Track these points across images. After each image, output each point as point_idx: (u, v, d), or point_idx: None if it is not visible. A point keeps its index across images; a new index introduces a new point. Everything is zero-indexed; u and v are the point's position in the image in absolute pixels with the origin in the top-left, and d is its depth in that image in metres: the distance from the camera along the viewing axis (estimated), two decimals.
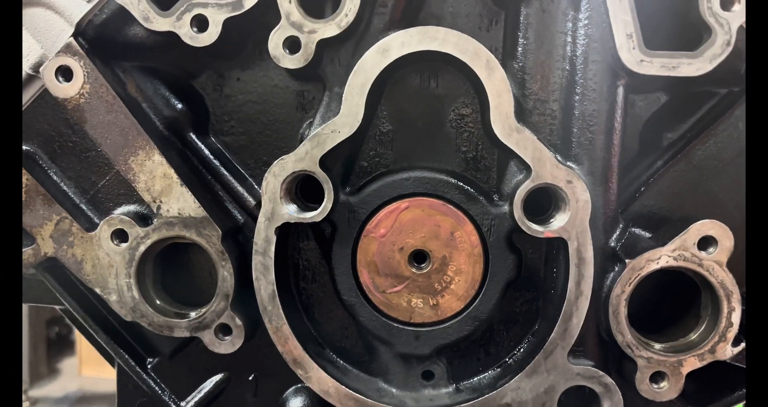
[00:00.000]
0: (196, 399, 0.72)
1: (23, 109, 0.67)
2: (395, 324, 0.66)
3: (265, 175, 0.61)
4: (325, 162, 0.62)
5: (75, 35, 0.64)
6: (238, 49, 0.68)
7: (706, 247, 0.61)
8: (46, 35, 0.69)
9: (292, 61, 0.62)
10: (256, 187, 0.70)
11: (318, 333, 0.70)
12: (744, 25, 0.60)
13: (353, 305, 0.66)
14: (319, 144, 0.61)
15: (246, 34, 0.66)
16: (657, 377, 0.63)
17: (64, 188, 0.68)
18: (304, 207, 0.63)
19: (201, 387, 0.72)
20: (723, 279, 0.61)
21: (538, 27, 0.63)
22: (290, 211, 0.62)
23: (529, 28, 0.63)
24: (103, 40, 0.65)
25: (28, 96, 0.67)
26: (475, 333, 0.67)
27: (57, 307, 0.74)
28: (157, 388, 0.72)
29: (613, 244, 0.65)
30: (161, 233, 0.65)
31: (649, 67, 0.60)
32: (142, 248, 0.65)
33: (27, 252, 0.66)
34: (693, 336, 0.64)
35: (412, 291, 0.66)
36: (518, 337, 0.68)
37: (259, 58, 0.68)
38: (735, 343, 0.62)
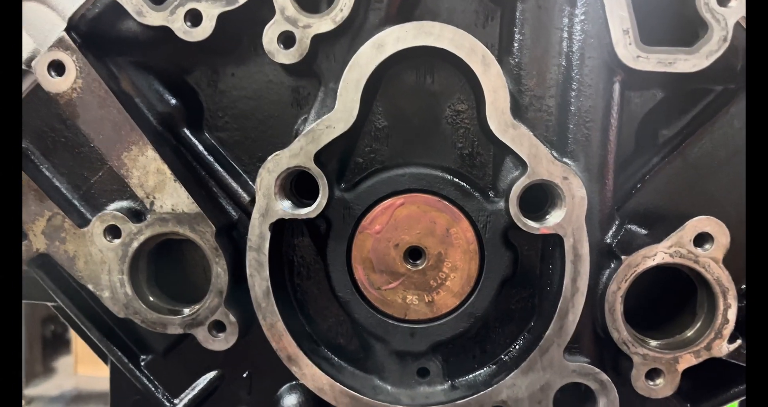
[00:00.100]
0: (189, 396, 0.72)
1: None
2: (390, 321, 0.66)
3: (260, 170, 0.61)
4: (320, 158, 0.62)
5: (67, 29, 0.64)
6: (233, 44, 0.67)
7: (702, 244, 0.61)
8: (39, 30, 0.69)
9: (286, 56, 0.62)
10: (250, 183, 0.70)
11: (313, 330, 0.70)
12: (741, 22, 0.60)
13: (348, 302, 0.66)
14: (313, 140, 0.61)
15: (240, 29, 0.66)
16: (653, 374, 0.63)
17: (57, 184, 0.67)
18: (299, 203, 0.63)
19: (195, 384, 0.72)
20: (719, 275, 0.61)
21: (534, 23, 0.63)
22: (285, 207, 0.62)
23: (525, 23, 0.63)
24: (96, 34, 0.65)
25: None
26: (470, 330, 0.67)
27: (50, 304, 0.74)
28: (150, 386, 0.72)
29: (609, 241, 0.64)
30: (154, 229, 0.64)
31: (645, 62, 0.59)
32: (135, 244, 0.64)
33: None
34: (689, 333, 0.64)
35: (408, 288, 0.65)
36: (514, 334, 0.68)
37: (254, 54, 0.68)
38: (731, 340, 0.62)
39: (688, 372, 0.63)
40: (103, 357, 0.74)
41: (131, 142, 0.64)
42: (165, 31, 0.62)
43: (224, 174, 0.70)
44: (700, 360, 0.62)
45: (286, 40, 0.61)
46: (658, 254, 0.61)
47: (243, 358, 0.71)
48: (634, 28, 0.59)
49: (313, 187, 0.61)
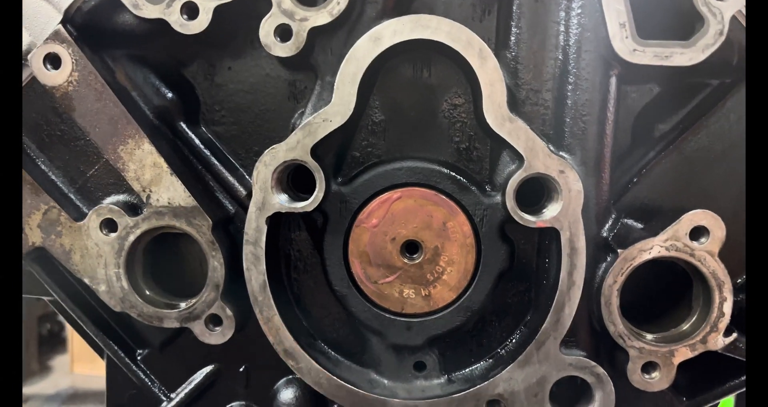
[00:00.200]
0: (186, 391, 0.72)
1: None
2: (387, 315, 0.66)
3: (256, 164, 0.61)
4: (316, 151, 0.62)
5: (63, 22, 0.63)
6: (229, 37, 0.67)
7: (698, 237, 0.61)
8: (34, 22, 0.68)
9: (283, 49, 0.61)
10: (247, 177, 0.70)
11: (309, 324, 0.70)
12: (737, 15, 0.60)
13: (345, 296, 0.66)
14: (310, 133, 0.61)
15: (237, 22, 0.65)
16: (649, 367, 0.63)
17: (53, 177, 0.67)
18: (296, 197, 0.63)
19: (191, 378, 0.72)
20: (715, 269, 0.61)
21: (531, 16, 0.63)
22: (281, 201, 0.62)
23: (522, 17, 0.63)
24: (92, 27, 0.64)
25: None
26: (467, 324, 0.67)
27: (46, 299, 0.73)
28: (147, 380, 0.72)
29: (605, 235, 0.65)
30: (151, 223, 0.64)
31: (641, 56, 0.60)
32: (132, 238, 0.64)
33: None
34: (685, 327, 0.64)
35: (404, 282, 0.65)
36: (510, 328, 0.68)
37: (251, 47, 0.68)
38: (726, 334, 0.62)
39: (683, 366, 0.63)
40: (100, 351, 0.74)
41: (127, 136, 0.64)
42: (161, 24, 0.62)
43: (221, 168, 0.70)
44: (696, 353, 0.62)
45: (283, 33, 0.61)
46: (654, 247, 0.61)
47: (240, 352, 0.71)
48: (630, 21, 0.59)
49: (310, 181, 0.61)
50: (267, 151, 0.61)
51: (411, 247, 0.65)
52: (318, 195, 0.61)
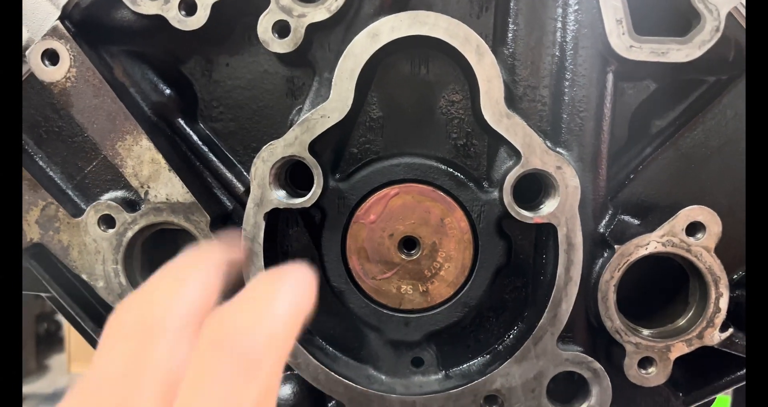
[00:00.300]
0: None
1: None
2: (385, 311, 0.66)
3: (254, 160, 0.61)
4: (314, 147, 0.62)
5: (61, 18, 0.63)
6: (227, 33, 0.67)
7: (694, 233, 0.61)
8: (32, 18, 0.68)
9: (281, 46, 0.62)
10: (245, 173, 0.70)
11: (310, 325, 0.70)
12: (733, 12, 0.60)
13: (343, 292, 0.66)
14: (308, 129, 0.61)
15: (235, 18, 0.66)
16: (645, 362, 0.63)
17: (50, 173, 0.67)
18: (294, 193, 0.63)
19: None
20: (711, 264, 0.61)
21: (528, 13, 0.63)
22: (279, 197, 0.62)
23: (519, 14, 0.63)
24: (90, 23, 0.64)
25: None
26: (464, 320, 0.67)
27: (44, 295, 0.73)
28: None
29: (602, 231, 0.65)
30: (149, 219, 0.64)
31: (638, 52, 0.60)
32: (130, 234, 0.64)
33: None
34: (681, 322, 0.65)
35: (402, 278, 0.66)
36: (508, 324, 0.68)
37: (249, 44, 0.68)
38: (723, 329, 0.63)
39: (680, 361, 0.64)
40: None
41: (125, 132, 0.64)
42: (159, 20, 0.62)
43: (219, 164, 0.70)
44: (692, 348, 0.63)
45: (281, 29, 0.61)
46: (650, 243, 0.62)
47: None
48: (627, 17, 0.60)
49: (308, 178, 0.61)
50: (265, 147, 0.61)
51: (409, 243, 0.66)
52: (316, 191, 0.62)
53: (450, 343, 0.69)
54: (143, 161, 0.64)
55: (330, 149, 0.66)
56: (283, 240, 0.69)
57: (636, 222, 0.66)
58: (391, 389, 0.66)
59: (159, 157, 0.64)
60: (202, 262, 0.41)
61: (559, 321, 0.62)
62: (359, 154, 0.67)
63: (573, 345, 0.65)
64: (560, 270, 0.61)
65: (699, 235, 0.61)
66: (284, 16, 0.61)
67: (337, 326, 0.70)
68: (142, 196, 0.65)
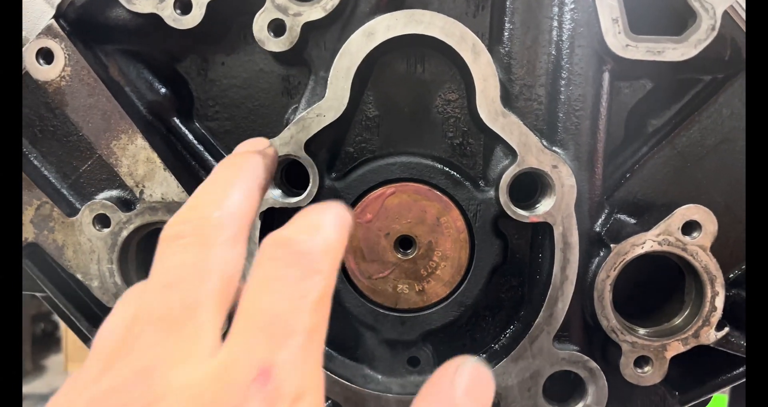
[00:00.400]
0: None
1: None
2: (381, 310, 0.66)
3: None
4: (310, 146, 0.62)
5: (56, 17, 0.63)
6: (223, 32, 0.67)
7: (690, 232, 0.61)
8: (27, 17, 0.68)
9: (276, 44, 0.61)
10: None
11: None
12: (729, 11, 0.60)
13: (339, 291, 0.66)
14: (304, 128, 0.61)
15: (230, 17, 0.65)
16: (641, 361, 0.63)
17: (45, 173, 0.67)
18: (289, 192, 0.63)
19: None
20: (707, 263, 0.61)
21: (524, 12, 0.63)
22: (275, 196, 0.62)
23: (516, 13, 0.63)
24: (84, 22, 0.64)
25: None
26: (460, 319, 0.67)
27: (39, 295, 0.73)
28: None
29: (598, 229, 0.65)
30: (144, 218, 0.64)
31: (634, 51, 0.60)
32: (125, 233, 0.64)
33: None
34: (677, 321, 0.65)
35: (398, 277, 0.66)
36: (504, 323, 0.68)
37: (244, 43, 0.68)
38: (719, 328, 0.63)
39: (676, 360, 0.64)
40: None
41: (120, 131, 0.64)
42: (154, 19, 0.62)
43: (215, 163, 0.69)
44: (688, 347, 0.63)
45: (277, 28, 0.61)
46: (646, 242, 0.61)
47: None
48: (623, 16, 0.60)
49: (304, 177, 0.61)
50: None
51: (405, 242, 0.66)
52: (312, 190, 0.62)
53: (446, 342, 0.69)
54: (138, 160, 0.64)
55: (326, 148, 0.65)
56: None
57: (632, 221, 0.66)
58: (388, 388, 0.66)
59: (154, 156, 0.64)
60: (241, 174, 0.45)
61: (555, 321, 0.62)
62: (355, 153, 0.67)
63: (569, 345, 0.65)
64: (556, 269, 0.61)
65: (695, 234, 0.61)
66: (280, 15, 0.61)
67: (333, 325, 0.69)
68: (138, 195, 0.65)
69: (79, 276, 0.65)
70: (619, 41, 0.60)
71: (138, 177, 0.64)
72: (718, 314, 0.62)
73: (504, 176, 0.61)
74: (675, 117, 0.69)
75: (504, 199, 0.61)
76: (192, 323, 0.35)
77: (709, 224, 0.61)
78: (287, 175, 0.65)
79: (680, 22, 0.62)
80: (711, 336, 0.62)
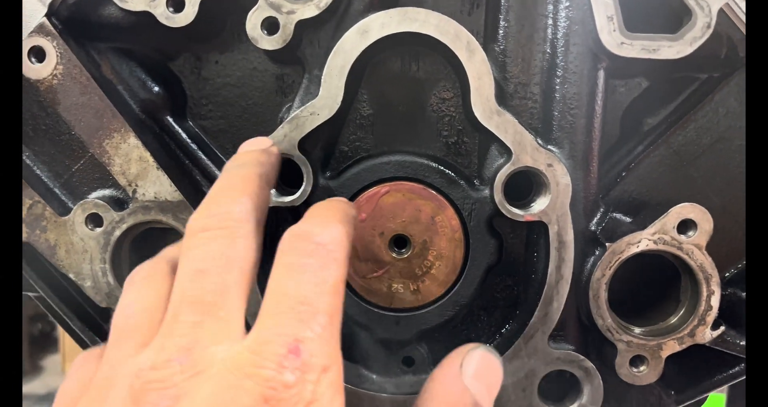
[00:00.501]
0: None
1: None
2: (375, 310, 0.66)
3: None
4: (304, 145, 0.61)
5: (48, 15, 0.63)
6: (216, 30, 0.67)
7: (685, 231, 0.61)
8: None
9: (270, 43, 0.61)
10: None
11: None
12: (724, 8, 0.60)
13: None
14: (297, 127, 0.60)
15: (224, 15, 0.65)
16: (637, 361, 0.63)
17: (37, 172, 0.66)
18: (283, 191, 0.63)
19: None
20: (702, 262, 0.61)
21: (519, 10, 0.63)
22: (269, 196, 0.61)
23: (510, 10, 0.63)
24: (77, 20, 0.64)
25: None
26: (455, 319, 0.67)
27: (31, 294, 0.73)
28: None
29: (593, 228, 0.65)
30: (137, 217, 0.63)
31: (629, 49, 0.59)
32: (118, 233, 0.64)
33: None
34: (673, 320, 0.64)
35: (393, 277, 0.65)
36: (499, 322, 0.68)
37: (238, 41, 0.67)
38: (714, 327, 0.62)
39: (672, 360, 0.63)
40: (86, 348, 0.73)
41: (113, 129, 0.64)
42: (147, 17, 0.61)
43: (208, 162, 0.69)
44: (684, 346, 0.62)
45: (270, 26, 0.61)
46: (642, 241, 0.61)
47: None
48: (618, 14, 0.59)
49: (298, 176, 0.61)
50: None
51: (399, 242, 0.65)
52: (306, 189, 0.61)
53: (441, 342, 0.68)
54: (131, 159, 0.64)
55: (320, 147, 0.65)
56: (272, 239, 0.68)
57: (627, 220, 0.66)
58: (382, 388, 0.66)
59: (147, 154, 0.64)
60: (252, 172, 0.50)
61: (551, 320, 0.62)
62: (349, 152, 0.67)
63: (564, 344, 0.64)
64: (551, 268, 0.61)
65: (690, 233, 0.61)
66: (273, 13, 0.60)
67: None
68: (130, 194, 0.64)
69: (71, 275, 0.65)
70: (614, 39, 0.59)
71: (131, 176, 0.64)
72: (713, 313, 0.62)
73: (499, 175, 0.60)
74: (671, 115, 0.69)
75: (499, 197, 0.61)
76: (223, 306, 0.39)
77: (705, 223, 0.61)
78: (281, 173, 0.64)
79: (676, 20, 0.62)
80: (707, 335, 0.62)
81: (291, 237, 0.43)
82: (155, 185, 0.64)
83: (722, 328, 0.63)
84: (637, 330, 0.65)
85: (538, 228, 0.63)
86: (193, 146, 0.69)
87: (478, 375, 0.44)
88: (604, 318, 0.62)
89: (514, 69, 0.63)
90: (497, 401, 0.62)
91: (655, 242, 0.61)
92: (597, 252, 0.63)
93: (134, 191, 0.64)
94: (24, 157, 0.67)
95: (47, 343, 3.90)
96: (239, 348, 0.37)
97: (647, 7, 0.62)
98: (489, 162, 0.64)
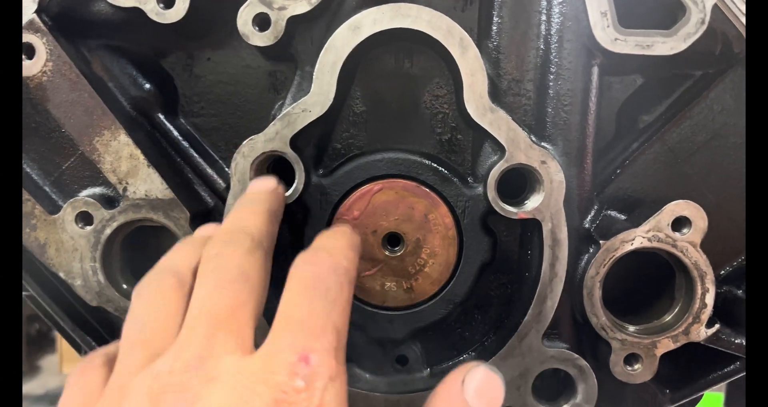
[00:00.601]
0: None
1: None
2: (368, 308, 0.65)
3: (234, 155, 0.60)
4: (296, 142, 0.61)
5: (38, 11, 0.62)
6: (208, 27, 0.66)
7: (680, 228, 0.61)
8: None
9: (261, 39, 0.60)
10: (226, 169, 0.68)
11: None
12: (719, 4, 0.59)
13: None
14: (289, 124, 0.60)
15: (215, 11, 0.64)
16: (631, 359, 0.63)
17: (27, 170, 0.66)
18: None
19: None
20: (697, 259, 0.61)
21: (513, 5, 0.62)
22: None
23: (504, 6, 0.62)
24: (67, 16, 0.63)
25: None
26: (449, 317, 0.66)
27: (23, 293, 0.72)
28: None
29: (587, 226, 0.64)
30: (127, 215, 0.63)
31: (623, 45, 0.59)
32: (108, 231, 0.63)
33: None
34: (667, 318, 0.64)
35: (386, 275, 0.65)
36: (493, 321, 0.68)
37: (230, 38, 0.67)
38: (709, 325, 0.62)
39: (666, 358, 0.63)
40: (77, 347, 0.72)
41: (103, 127, 0.63)
42: (137, 13, 0.61)
43: (200, 160, 0.68)
44: (678, 344, 0.62)
45: (261, 22, 0.60)
46: (636, 239, 0.61)
47: None
48: (612, 10, 0.59)
49: (291, 173, 0.60)
50: (245, 142, 0.60)
51: (392, 240, 0.65)
52: (297, 187, 0.61)
53: (435, 341, 0.68)
54: (121, 157, 0.63)
55: (312, 144, 0.65)
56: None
57: (622, 217, 0.65)
58: (376, 387, 0.65)
59: (137, 152, 0.63)
60: (264, 205, 0.54)
61: (545, 318, 0.61)
62: (342, 149, 0.66)
63: (559, 342, 0.64)
64: (545, 266, 0.61)
65: (685, 230, 0.61)
66: (264, 9, 0.60)
67: None
68: (121, 192, 0.64)
69: (61, 274, 0.64)
70: (608, 35, 0.59)
71: (121, 174, 0.63)
72: (708, 311, 0.61)
73: (492, 172, 0.60)
74: (666, 113, 0.68)
75: (492, 195, 0.60)
76: (237, 320, 0.42)
77: (699, 220, 0.60)
78: (275, 171, 0.64)
79: (670, 16, 0.61)
80: (701, 333, 0.62)
81: (303, 262, 0.46)
82: (146, 183, 0.63)
83: (717, 326, 0.62)
84: (632, 328, 0.64)
85: (532, 226, 0.63)
86: (185, 144, 0.68)
87: (479, 392, 0.46)
88: (599, 317, 0.62)
89: (507, 65, 0.63)
90: None
91: (649, 240, 0.61)
92: (591, 250, 0.63)
93: (125, 189, 0.64)
94: None
95: (44, 343, 3.89)
96: (251, 358, 0.39)
97: (641, 3, 0.61)
98: (482, 159, 0.64)
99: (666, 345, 0.62)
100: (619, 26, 0.59)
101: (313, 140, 0.64)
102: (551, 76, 0.62)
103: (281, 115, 0.60)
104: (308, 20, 0.62)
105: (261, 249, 0.48)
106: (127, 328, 0.45)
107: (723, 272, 0.67)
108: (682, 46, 0.59)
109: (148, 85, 0.68)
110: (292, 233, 0.68)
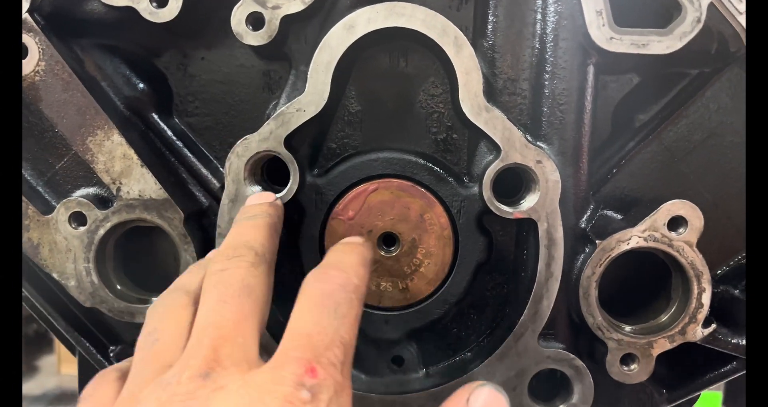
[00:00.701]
0: None
1: None
2: (364, 309, 0.64)
3: (229, 155, 0.60)
4: (291, 142, 0.61)
5: (30, 11, 0.62)
6: (202, 26, 0.66)
7: (676, 228, 0.61)
8: None
9: (255, 38, 0.60)
10: (221, 169, 0.68)
11: (286, 319, 0.68)
12: (715, 3, 0.59)
13: None
14: (283, 123, 0.59)
15: (209, 10, 0.64)
16: (627, 359, 0.62)
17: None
18: (270, 188, 0.62)
19: None
20: (693, 259, 0.60)
21: (508, 5, 0.62)
22: (255, 193, 0.60)
23: (499, 5, 0.62)
24: (59, 15, 0.63)
25: None
26: (445, 317, 0.66)
27: None
28: None
29: (583, 226, 0.64)
30: (121, 216, 0.63)
31: (618, 44, 0.59)
32: (102, 231, 0.63)
33: None
34: (663, 318, 0.64)
35: (381, 275, 0.64)
36: (489, 321, 0.67)
37: (224, 37, 0.66)
38: (705, 325, 0.62)
39: (663, 358, 0.63)
40: (72, 348, 0.72)
41: (96, 127, 0.63)
42: (131, 12, 0.60)
43: (194, 160, 0.68)
44: (675, 344, 0.62)
45: (255, 21, 0.60)
46: (632, 238, 0.61)
47: None
48: (607, 9, 0.59)
49: (286, 173, 0.60)
50: (239, 141, 0.60)
51: (388, 240, 0.64)
52: (292, 186, 0.60)
53: (431, 341, 0.68)
54: (115, 157, 0.63)
55: (307, 144, 0.64)
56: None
57: (618, 217, 0.65)
58: (372, 388, 0.65)
59: (131, 152, 0.63)
60: (265, 221, 0.55)
61: (540, 318, 0.61)
62: (338, 149, 0.66)
63: (555, 342, 0.64)
64: (541, 266, 0.60)
65: (681, 230, 0.60)
66: (258, 8, 0.60)
67: None
68: (114, 192, 0.63)
69: (55, 275, 0.64)
70: (603, 34, 0.59)
71: (115, 174, 0.63)
72: (704, 311, 0.61)
73: (487, 172, 0.60)
74: (662, 111, 0.68)
75: (488, 194, 0.60)
76: (242, 332, 0.43)
77: (695, 220, 0.60)
78: (270, 171, 0.63)
79: (666, 15, 0.61)
80: (698, 333, 0.62)
81: (314, 280, 0.48)
82: (140, 183, 0.63)
83: (713, 326, 0.62)
84: (628, 328, 0.64)
85: (528, 226, 0.62)
86: (179, 143, 0.68)
87: None
88: (595, 317, 0.62)
89: (502, 64, 0.63)
90: None
91: (645, 239, 0.60)
92: (587, 250, 0.62)
93: (118, 189, 0.63)
94: None
95: (42, 344, 3.88)
96: (259, 370, 0.40)
97: (637, 2, 0.61)
98: (478, 159, 0.64)
99: (662, 345, 0.62)
100: (614, 25, 0.59)
101: (308, 140, 0.64)
102: (547, 75, 0.61)
103: (275, 114, 0.60)
104: (302, 19, 0.61)
105: (264, 263, 0.49)
106: (140, 342, 0.47)
107: (719, 272, 0.67)
108: (678, 45, 0.59)
109: (141, 85, 0.68)
110: (287, 233, 0.67)
